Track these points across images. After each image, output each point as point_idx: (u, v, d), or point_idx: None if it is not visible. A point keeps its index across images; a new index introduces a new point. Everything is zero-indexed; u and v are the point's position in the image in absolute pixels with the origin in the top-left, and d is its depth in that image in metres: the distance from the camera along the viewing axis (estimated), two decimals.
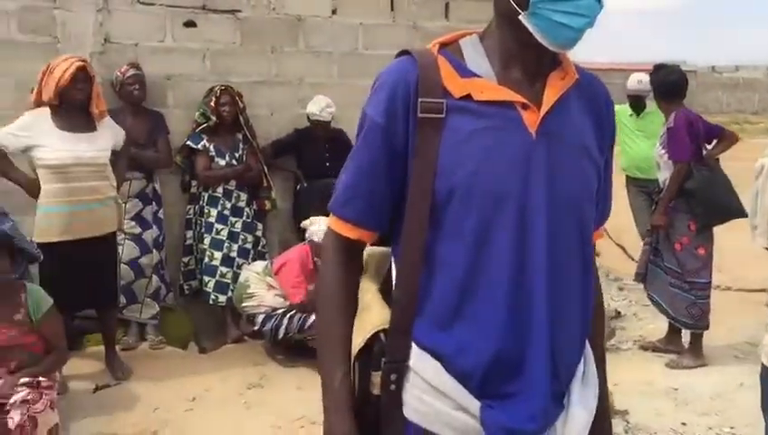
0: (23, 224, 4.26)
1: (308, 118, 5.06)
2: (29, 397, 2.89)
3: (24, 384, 2.93)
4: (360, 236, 1.32)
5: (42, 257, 3.35)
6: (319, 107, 4.99)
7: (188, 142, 4.80)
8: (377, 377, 1.28)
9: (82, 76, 3.89)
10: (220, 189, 4.77)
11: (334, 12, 5.31)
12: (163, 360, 4.30)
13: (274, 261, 4.48)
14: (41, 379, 2.99)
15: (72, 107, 3.90)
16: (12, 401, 2.87)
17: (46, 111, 3.90)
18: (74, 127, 3.90)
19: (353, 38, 5.37)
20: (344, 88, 5.27)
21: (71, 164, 3.83)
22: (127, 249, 4.45)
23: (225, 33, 5.07)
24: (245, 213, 4.84)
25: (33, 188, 3.86)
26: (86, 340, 4.32)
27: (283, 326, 4.19)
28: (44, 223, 3.84)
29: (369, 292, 1.35)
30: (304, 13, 5.23)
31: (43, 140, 3.83)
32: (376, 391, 1.29)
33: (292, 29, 5.22)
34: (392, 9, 5.43)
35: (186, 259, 4.85)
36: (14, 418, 2.82)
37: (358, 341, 1.29)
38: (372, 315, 1.30)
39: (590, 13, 1.21)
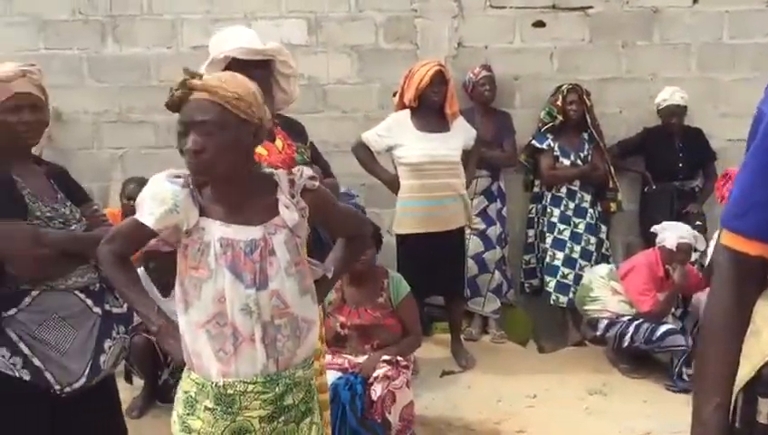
0: (384, 216, 4.71)
1: (658, 112, 4.76)
2: (389, 373, 3.14)
3: (385, 361, 3.20)
4: (763, 252, 1.16)
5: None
6: (668, 92, 4.67)
7: (533, 142, 4.83)
8: (765, 405, 1.13)
9: (439, 79, 4.13)
10: (564, 189, 4.71)
11: (695, 1, 4.91)
12: (504, 354, 4.39)
13: (620, 265, 4.29)
14: (399, 358, 3.24)
15: (430, 108, 4.16)
16: (375, 374, 3.16)
17: (407, 112, 4.22)
18: (431, 127, 4.15)
19: (717, 28, 4.91)
20: (703, 82, 4.86)
21: (426, 162, 4.08)
22: (472, 244, 4.62)
23: (573, 30, 5.00)
24: (589, 214, 4.71)
25: (393, 185, 4.20)
26: (434, 326, 4.59)
27: (629, 335, 3.99)
28: (403, 216, 4.15)
29: (759, 314, 1.18)
30: (661, 4, 4.92)
31: (404, 139, 4.14)
32: (763, 420, 1.14)
33: (647, 22, 4.95)
34: None
35: (527, 257, 4.89)
36: (377, 390, 3.09)
37: (745, 370, 1.15)
38: (762, 342, 1.14)
39: None
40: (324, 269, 2.01)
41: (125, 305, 2.54)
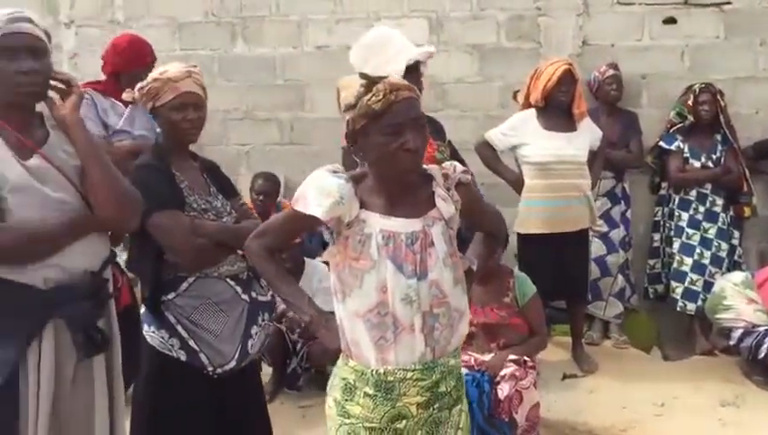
0: (505, 216, 4.66)
1: None
2: (517, 373, 3.13)
3: (512, 361, 3.20)
4: None
5: None
6: None
7: (661, 143, 4.67)
8: None
9: (568, 79, 4.06)
10: (693, 192, 4.53)
11: None
12: (627, 360, 4.28)
13: (756, 274, 4.09)
14: (526, 358, 3.23)
15: (557, 108, 4.10)
16: (502, 373, 3.15)
17: (532, 112, 4.18)
18: (557, 127, 4.09)
19: None
20: None
21: (552, 162, 4.03)
22: (594, 246, 4.52)
23: (707, 27, 4.80)
24: (721, 219, 4.51)
25: (517, 184, 4.17)
26: (553, 328, 4.52)
27: (765, 345, 3.80)
28: (526, 215, 4.11)
29: None
30: None
31: (529, 138, 4.10)
32: None
33: None
34: None
35: (652, 262, 4.74)
36: (504, 389, 3.08)
37: None
38: None
39: None
40: (470, 262, 2.04)
41: (269, 294, 2.66)
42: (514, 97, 4.98)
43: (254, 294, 2.56)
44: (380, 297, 1.75)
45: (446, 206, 1.82)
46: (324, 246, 4.59)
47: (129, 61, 3.32)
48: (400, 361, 1.76)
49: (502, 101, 5.07)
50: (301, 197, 1.82)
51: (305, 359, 3.75)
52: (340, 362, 1.88)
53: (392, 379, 1.77)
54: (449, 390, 1.84)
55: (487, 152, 4.19)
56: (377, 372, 1.77)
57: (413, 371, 1.77)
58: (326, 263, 4.35)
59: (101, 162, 2.00)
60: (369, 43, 3.08)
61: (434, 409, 1.81)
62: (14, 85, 1.92)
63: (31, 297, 1.89)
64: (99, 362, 2.02)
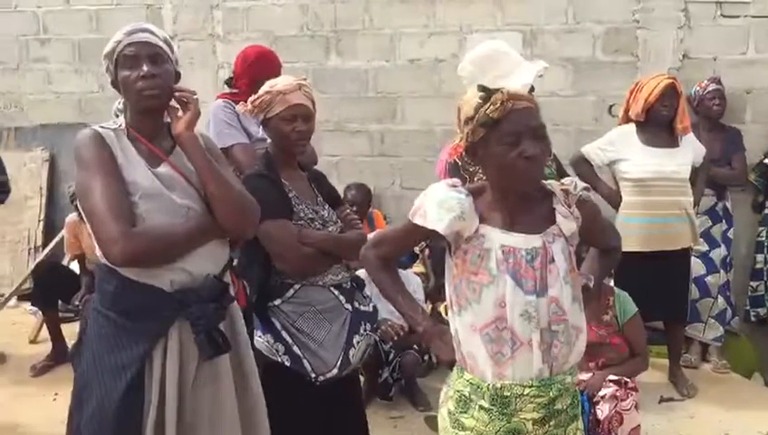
0: None
1: None
2: (617, 394, 3.06)
3: (612, 381, 3.12)
4: None
5: None
6: None
7: (766, 160, 4.49)
8: None
9: (671, 93, 3.95)
10: None
11: None
12: (727, 385, 4.11)
13: None
14: (627, 379, 3.14)
15: (658, 123, 3.99)
16: (602, 394, 3.08)
17: (632, 126, 4.08)
18: (658, 142, 3.98)
19: None
20: None
21: (652, 178, 3.92)
22: (694, 266, 4.37)
23: None
24: None
25: (615, 200, 4.07)
26: (649, 349, 4.38)
27: None
28: (623, 233, 3.93)
29: None
30: None
31: (628, 154, 4.01)
32: None
33: None
34: None
35: (754, 284, 4.55)
36: (604, 410, 3.01)
37: None
38: None
39: None
40: (587, 279, 2.00)
41: (371, 305, 2.69)
42: (610, 111, 4.90)
43: (356, 304, 2.60)
44: (499, 312, 1.74)
45: (567, 222, 1.80)
46: (414, 258, 4.60)
47: (261, 70, 3.43)
48: (517, 376, 1.75)
49: (596, 116, 4.99)
50: (419, 210, 1.82)
51: (397, 369, 3.75)
52: (454, 374, 1.88)
53: (509, 394, 1.75)
54: (565, 407, 1.82)
55: (584, 168, 4.12)
56: (493, 386, 1.76)
57: (530, 387, 1.75)
58: (417, 274, 4.39)
59: (216, 176, 2.05)
60: (481, 57, 3.07)
61: (549, 426, 1.79)
62: (137, 90, 2.01)
63: (159, 299, 1.97)
64: (224, 364, 2.08)
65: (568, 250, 1.81)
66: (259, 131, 3.44)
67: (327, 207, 2.64)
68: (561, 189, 1.84)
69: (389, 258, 2.04)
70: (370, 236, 2.40)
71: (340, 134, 5.54)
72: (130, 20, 5.82)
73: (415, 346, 3.86)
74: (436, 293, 4.30)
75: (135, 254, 1.91)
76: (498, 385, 1.75)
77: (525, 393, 1.75)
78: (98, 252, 2.01)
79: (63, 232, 4.81)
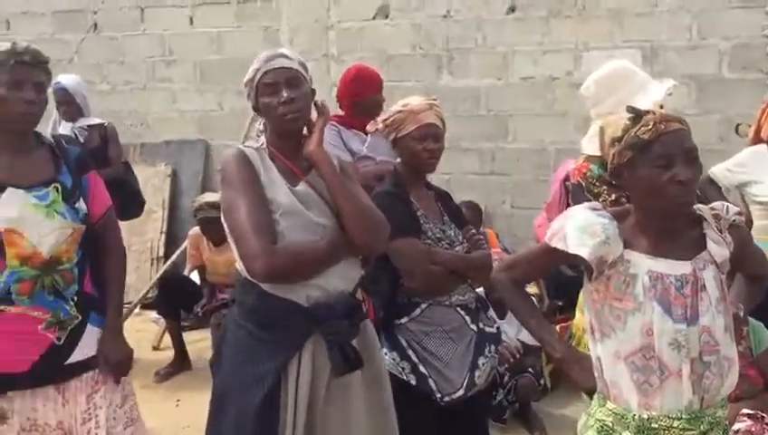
0: None
1: None
2: (753, 429, 2.89)
3: (746, 415, 2.95)
4: None
5: None
6: None
7: None
8: None
9: None
10: None
11: None
12: None
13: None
14: (762, 414, 2.97)
15: None
16: (735, 428, 2.92)
17: (764, 147, 3.88)
18: None
19: None
20: None
21: None
22: None
23: None
24: None
25: (747, 224, 3.87)
26: None
27: None
28: None
29: None
30: None
31: (760, 176, 3.81)
32: None
33: None
34: None
35: None
36: None
37: None
38: None
39: None
40: (736, 307, 1.92)
41: (495, 326, 2.67)
42: (737, 131, 4.69)
43: (481, 325, 2.58)
44: (645, 340, 1.69)
45: (719, 249, 1.73)
46: None
47: (358, 90, 3.51)
48: (665, 407, 1.69)
49: (721, 135, 4.78)
50: (558, 233, 1.79)
51: (512, 392, 3.70)
52: (595, 402, 1.83)
53: (656, 426, 1.69)
54: None
55: (711, 190, 3.94)
56: (639, 417, 1.70)
57: (679, 419, 1.68)
58: (531, 295, 4.32)
59: (348, 195, 2.10)
60: (607, 77, 3.03)
61: None
62: (279, 116, 2.09)
63: (296, 313, 2.03)
64: (356, 382, 2.11)
65: (719, 278, 1.74)
66: (363, 149, 3.50)
67: (453, 226, 2.64)
68: (713, 214, 1.78)
69: (522, 281, 2.02)
70: (501, 257, 2.39)
71: (452, 152, 5.46)
72: (249, 42, 6.08)
73: (530, 369, 3.80)
74: (551, 314, 4.22)
75: (276, 269, 1.97)
76: (645, 416, 1.69)
77: (674, 426, 1.68)
78: (240, 266, 2.09)
79: (186, 244, 5.03)
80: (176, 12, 6.30)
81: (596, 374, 1.80)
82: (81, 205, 2.25)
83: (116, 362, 2.29)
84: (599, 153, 2.86)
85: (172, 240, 6.07)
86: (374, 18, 5.69)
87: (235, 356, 2.10)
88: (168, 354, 4.70)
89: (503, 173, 5.41)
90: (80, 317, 2.23)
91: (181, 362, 4.59)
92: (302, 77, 2.14)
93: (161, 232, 6.11)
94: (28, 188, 2.15)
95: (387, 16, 5.66)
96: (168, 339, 4.77)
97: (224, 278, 4.70)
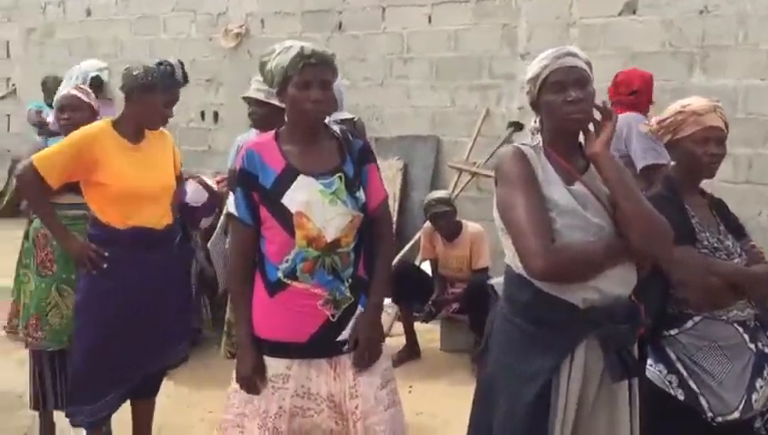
0: None
1: None
2: None
3: None
4: None
5: None
6: None
7: None
8: None
9: None
10: None
11: None
12: None
13: None
14: None
15: None
16: None
17: None
18: None
19: None
20: None
21: None
22: None
23: None
24: None
25: None
26: None
27: None
28: None
29: None
30: None
31: None
32: None
33: None
34: None
35: None
36: None
37: None
38: None
39: None
40: None
41: None
42: None
43: (760, 345, 2.38)
44: None
45: None
46: None
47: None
48: None
49: None
50: None
51: None
52: None
53: None
54: None
55: None
56: None
57: None
58: None
59: (633, 197, 2.02)
60: None
61: None
62: (564, 114, 2.05)
63: (571, 314, 2.00)
64: (623, 391, 2.05)
65: None
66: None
67: (731, 237, 2.45)
68: None
69: None
70: None
71: None
72: (486, 40, 6.09)
73: None
74: None
75: (557, 269, 1.95)
76: None
77: None
78: (512, 262, 2.10)
79: (419, 235, 5.18)
80: (415, 10, 6.50)
81: None
82: (361, 194, 2.37)
83: (366, 339, 2.36)
84: None
85: (401, 231, 6.28)
86: (620, 14, 5.46)
87: (504, 352, 2.11)
88: (399, 341, 4.86)
89: (760, 182, 4.95)
90: (352, 299, 2.36)
91: (411, 349, 4.73)
92: (589, 77, 2.09)
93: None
94: (317, 175, 2.32)
95: (634, 12, 5.41)
96: (397, 327, 4.94)
97: (455, 272, 4.78)
